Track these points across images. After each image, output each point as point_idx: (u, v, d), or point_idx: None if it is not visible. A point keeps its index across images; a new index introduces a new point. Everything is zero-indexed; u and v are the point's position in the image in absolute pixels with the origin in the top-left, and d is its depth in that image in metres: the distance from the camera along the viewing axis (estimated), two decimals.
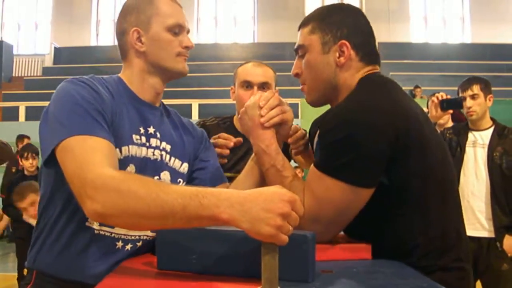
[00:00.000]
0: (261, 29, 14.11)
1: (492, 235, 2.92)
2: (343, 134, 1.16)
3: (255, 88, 1.97)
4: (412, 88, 9.95)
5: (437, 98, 2.87)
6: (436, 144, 1.29)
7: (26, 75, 14.00)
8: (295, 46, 1.38)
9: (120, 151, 1.21)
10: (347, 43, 1.30)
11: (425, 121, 1.29)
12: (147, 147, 1.29)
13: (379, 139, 1.16)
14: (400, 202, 1.23)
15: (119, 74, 1.36)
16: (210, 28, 14.98)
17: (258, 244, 0.89)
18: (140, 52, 1.32)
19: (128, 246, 1.26)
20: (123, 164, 1.20)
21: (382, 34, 13.32)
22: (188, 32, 1.38)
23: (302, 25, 1.37)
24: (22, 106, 9.69)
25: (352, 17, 1.34)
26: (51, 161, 1.12)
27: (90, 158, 1.04)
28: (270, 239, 0.87)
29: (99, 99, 1.18)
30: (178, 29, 1.34)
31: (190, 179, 1.44)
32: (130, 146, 1.25)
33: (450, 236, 1.27)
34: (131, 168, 1.24)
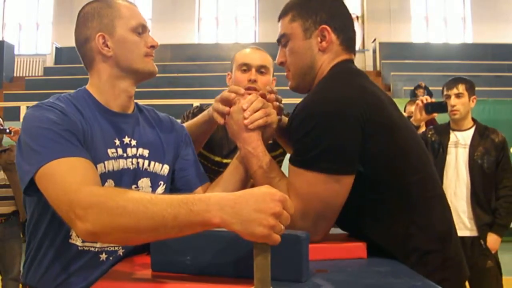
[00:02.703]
0: (262, 29, 14.09)
1: (475, 233, 3.00)
2: (311, 125, 1.18)
3: (253, 70, 1.95)
4: (413, 88, 9.92)
5: (422, 102, 2.92)
6: (406, 128, 1.31)
7: (27, 75, 14.00)
8: (278, 37, 1.41)
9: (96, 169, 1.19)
10: (328, 28, 1.33)
11: (392, 107, 1.30)
12: (125, 158, 1.29)
13: (348, 125, 1.17)
14: (380, 189, 1.23)
15: (86, 86, 1.34)
16: (211, 28, 14.97)
17: (251, 244, 0.89)
18: (107, 57, 1.30)
19: (112, 256, 1.26)
20: (100, 181, 1.19)
21: (383, 34, 13.33)
22: (148, 31, 1.36)
23: (282, 15, 1.40)
24: (23, 106, 9.68)
25: (329, 2, 1.37)
26: (31, 189, 1.11)
27: (72, 180, 1.03)
28: (263, 239, 0.87)
29: (67, 120, 1.17)
30: (141, 29, 1.33)
31: (173, 180, 1.43)
32: (106, 162, 1.24)
33: (435, 224, 1.27)
34: (110, 183, 1.24)
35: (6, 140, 4.29)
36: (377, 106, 1.22)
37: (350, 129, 1.17)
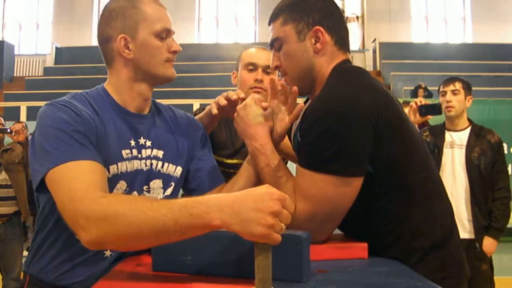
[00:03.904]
0: (262, 29, 14.10)
1: (472, 236, 2.98)
2: (324, 127, 1.17)
3: (260, 70, 1.96)
4: (413, 87, 9.93)
5: (416, 104, 2.92)
6: (410, 126, 1.31)
7: (27, 75, 13.99)
8: (270, 40, 1.40)
9: (108, 171, 1.20)
10: (321, 28, 1.32)
11: (399, 105, 1.30)
12: (139, 159, 1.29)
13: (360, 126, 1.16)
14: (386, 189, 1.24)
15: (104, 84, 1.33)
16: (211, 28, 14.97)
17: (252, 244, 0.89)
18: (127, 60, 1.28)
19: (114, 253, 1.27)
20: (112, 182, 1.20)
21: (383, 34, 13.32)
22: (173, 34, 1.33)
23: (273, 18, 1.39)
24: (23, 106, 9.67)
25: (320, 2, 1.36)
26: (42, 187, 1.12)
27: (78, 187, 1.04)
28: (263, 239, 0.87)
29: (80, 121, 1.17)
30: (165, 34, 1.30)
31: (188, 180, 1.43)
32: (119, 164, 1.24)
33: (438, 223, 1.28)
34: (122, 184, 1.25)
35: (8, 140, 4.29)
36: (387, 106, 1.21)
37: (362, 130, 1.16)
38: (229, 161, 1.98)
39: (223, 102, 1.49)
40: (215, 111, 1.51)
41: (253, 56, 2.00)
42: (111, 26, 1.28)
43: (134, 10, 1.27)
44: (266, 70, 1.96)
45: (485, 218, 2.99)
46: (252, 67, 1.97)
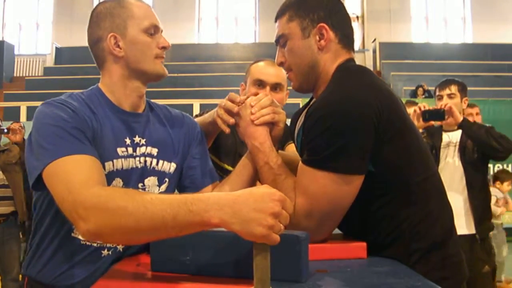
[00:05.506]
0: (262, 29, 14.09)
1: (473, 231, 2.98)
2: (326, 125, 1.17)
3: (268, 88, 1.92)
4: (413, 87, 9.93)
5: (419, 109, 2.92)
6: (413, 127, 1.32)
7: (27, 75, 14.00)
8: (276, 37, 1.40)
9: (104, 167, 1.20)
10: (326, 26, 1.32)
11: (402, 106, 1.31)
12: (134, 157, 1.29)
13: (362, 125, 1.17)
14: (386, 189, 1.24)
15: (99, 84, 1.34)
16: (211, 28, 14.98)
17: (250, 244, 0.89)
18: (118, 58, 1.29)
19: (111, 251, 1.27)
20: (108, 179, 1.20)
21: (384, 34, 13.32)
22: (161, 31, 1.35)
23: (279, 15, 1.39)
24: (23, 106, 9.69)
25: (326, 0, 1.36)
26: (39, 184, 1.12)
27: (76, 179, 1.04)
28: (263, 240, 0.87)
29: (77, 118, 1.18)
30: (153, 30, 1.32)
31: (181, 178, 1.43)
32: (115, 161, 1.25)
33: (438, 223, 1.28)
34: (117, 181, 1.25)
35: (4, 141, 4.28)
36: (390, 107, 1.22)
37: (364, 130, 1.17)
38: (231, 168, 1.97)
39: (231, 121, 1.38)
40: (227, 129, 1.41)
41: (262, 72, 1.96)
42: (100, 27, 1.30)
43: (121, 9, 1.30)
44: (274, 87, 1.94)
45: (485, 213, 3.02)
46: (260, 83, 1.94)
